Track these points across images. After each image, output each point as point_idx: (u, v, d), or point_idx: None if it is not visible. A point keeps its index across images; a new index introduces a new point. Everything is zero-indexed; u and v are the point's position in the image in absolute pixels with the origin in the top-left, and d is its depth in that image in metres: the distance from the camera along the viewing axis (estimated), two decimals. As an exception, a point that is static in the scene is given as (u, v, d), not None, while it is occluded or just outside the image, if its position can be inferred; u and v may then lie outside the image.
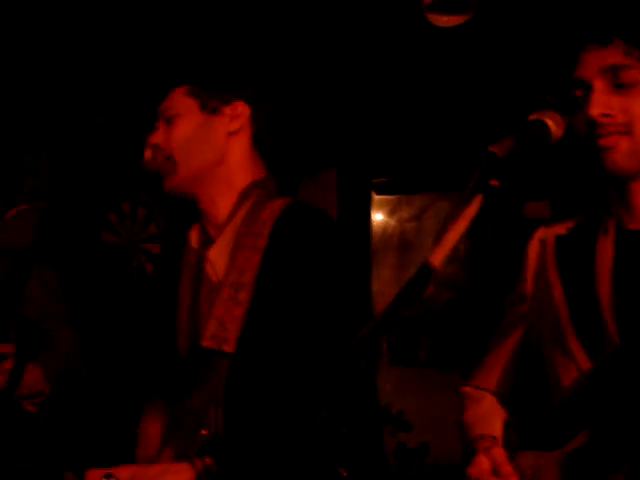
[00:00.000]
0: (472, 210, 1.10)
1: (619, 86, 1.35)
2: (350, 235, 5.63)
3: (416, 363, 6.02)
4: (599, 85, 1.36)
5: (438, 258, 1.05)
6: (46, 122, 4.09)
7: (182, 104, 1.69)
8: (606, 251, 1.42)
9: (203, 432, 1.50)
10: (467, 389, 1.62)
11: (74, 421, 2.11)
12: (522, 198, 4.36)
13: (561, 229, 1.53)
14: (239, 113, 1.70)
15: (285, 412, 1.48)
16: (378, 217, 5.86)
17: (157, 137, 1.69)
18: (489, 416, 1.53)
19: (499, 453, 1.33)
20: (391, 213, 5.86)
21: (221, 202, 1.67)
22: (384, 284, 5.81)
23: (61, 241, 2.37)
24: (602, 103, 1.35)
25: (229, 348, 1.50)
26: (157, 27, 3.55)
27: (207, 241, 1.69)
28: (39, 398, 1.93)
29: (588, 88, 1.37)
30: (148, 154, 1.63)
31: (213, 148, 1.68)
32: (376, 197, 5.83)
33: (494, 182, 1.14)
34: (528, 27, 3.42)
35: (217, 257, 1.62)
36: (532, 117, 1.22)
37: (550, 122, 1.21)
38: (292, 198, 1.68)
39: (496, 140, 1.20)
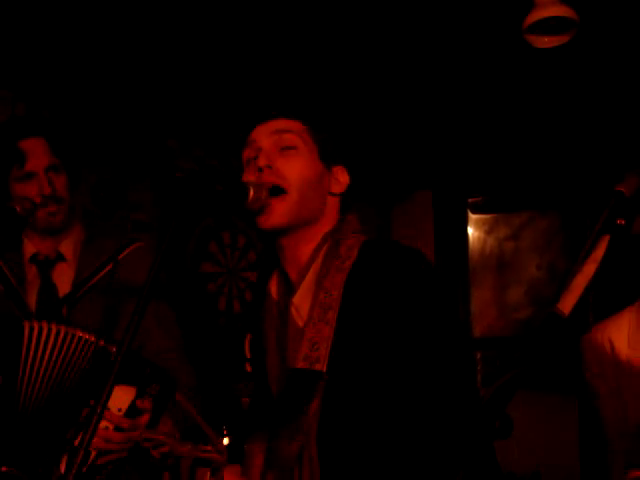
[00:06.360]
0: (600, 252, 1.07)
1: None
2: (448, 255, 5.59)
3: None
4: None
5: (568, 305, 1.01)
6: (148, 156, 4.21)
7: (304, 142, 1.65)
8: None
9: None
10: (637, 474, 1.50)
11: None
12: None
13: None
14: (342, 180, 1.71)
15: (384, 445, 1.46)
16: (475, 236, 5.77)
17: (269, 160, 1.61)
18: None
19: None
20: (488, 232, 5.76)
21: (304, 247, 1.65)
22: (483, 304, 5.70)
23: (170, 274, 2.38)
24: None
25: (320, 366, 1.48)
26: (263, 63, 3.60)
27: (288, 288, 1.68)
28: (166, 447, 1.94)
29: None
30: (252, 193, 1.53)
31: (320, 201, 1.66)
32: (472, 216, 5.75)
33: (621, 221, 1.10)
34: (632, 45, 3.32)
35: (301, 302, 1.62)
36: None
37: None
38: (366, 236, 1.66)
39: (611, 173, 1.15)
